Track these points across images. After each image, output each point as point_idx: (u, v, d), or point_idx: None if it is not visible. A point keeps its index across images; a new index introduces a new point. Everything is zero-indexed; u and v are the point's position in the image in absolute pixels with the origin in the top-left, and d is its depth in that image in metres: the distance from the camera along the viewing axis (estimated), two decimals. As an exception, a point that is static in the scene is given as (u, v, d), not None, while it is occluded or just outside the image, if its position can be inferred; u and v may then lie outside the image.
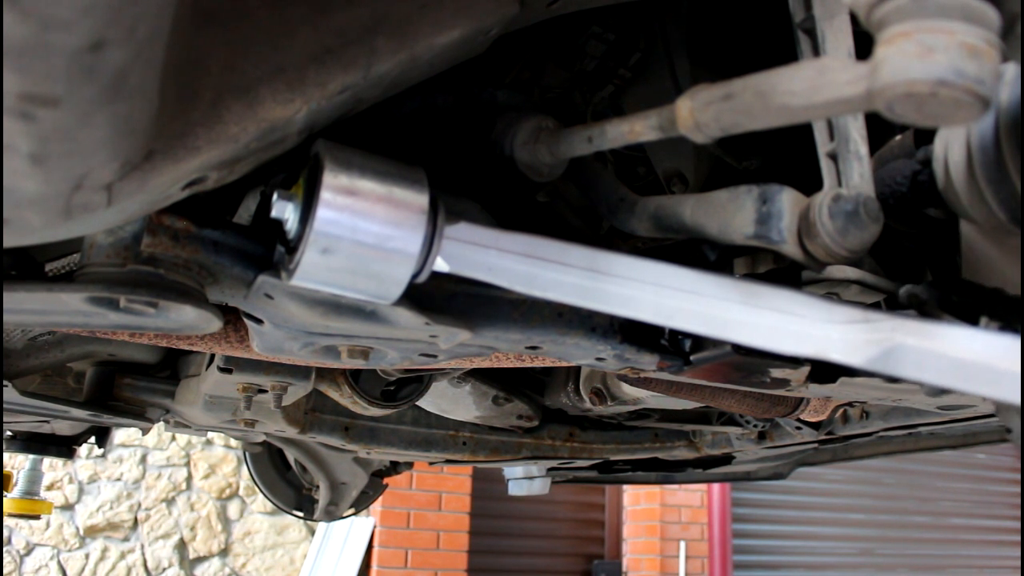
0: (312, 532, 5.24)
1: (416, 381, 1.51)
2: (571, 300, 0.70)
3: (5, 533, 4.49)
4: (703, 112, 0.56)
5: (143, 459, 4.94)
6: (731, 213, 0.74)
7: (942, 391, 0.75)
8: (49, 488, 4.60)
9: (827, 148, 0.71)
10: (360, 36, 0.63)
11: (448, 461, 1.94)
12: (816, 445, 2.04)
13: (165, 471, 4.98)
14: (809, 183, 0.74)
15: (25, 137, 0.44)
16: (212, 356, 1.30)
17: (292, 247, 0.69)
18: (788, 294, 0.67)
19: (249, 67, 0.58)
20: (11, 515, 2.64)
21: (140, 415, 1.54)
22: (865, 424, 1.65)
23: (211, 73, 0.56)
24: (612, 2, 0.80)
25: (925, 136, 0.78)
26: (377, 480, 2.47)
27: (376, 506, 5.07)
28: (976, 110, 0.44)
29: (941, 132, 0.73)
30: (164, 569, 4.83)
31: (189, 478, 5.03)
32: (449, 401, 1.74)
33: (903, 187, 0.79)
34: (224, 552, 5.01)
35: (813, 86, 0.50)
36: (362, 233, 0.65)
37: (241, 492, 5.12)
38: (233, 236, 0.77)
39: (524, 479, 2.46)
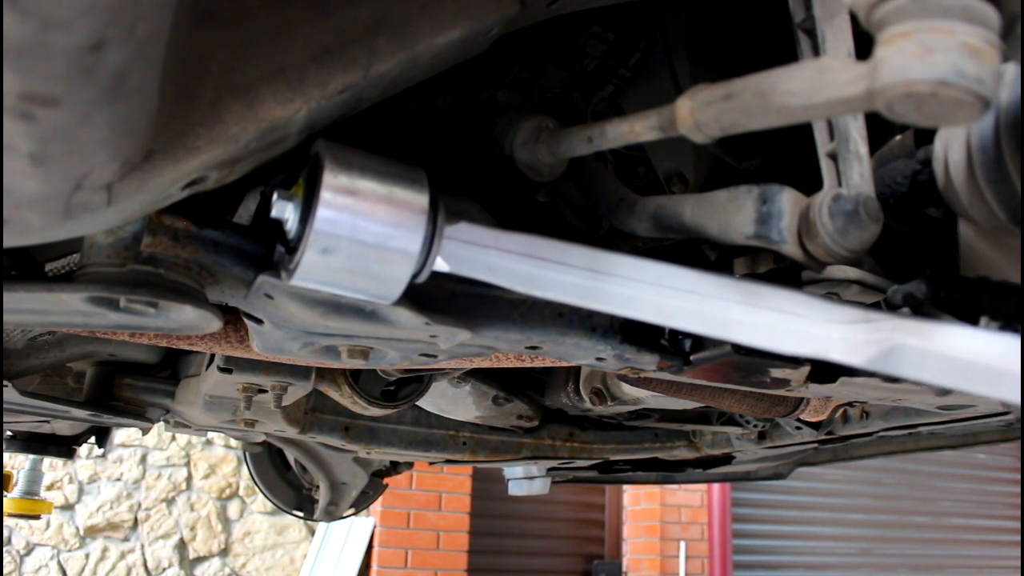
0: (312, 532, 5.24)
1: (416, 381, 1.51)
2: (571, 300, 0.70)
3: (5, 533, 4.49)
4: (703, 112, 0.56)
5: (143, 459, 4.94)
6: (731, 213, 0.74)
7: (947, 391, 0.75)
8: (49, 488, 4.60)
9: (827, 148, 0.71)
10: (360, 36, 0.63)
11: (448, 461, 1.94)
12: (816, 445, 2.04)
13: (165, 471, 4.98)
14: (809, 183, 0.74)
15: (25, 137, 0.44)
16: (212, 356, 1.30)
17: (292, 247, 0.69)
18: (788, 294, 0.67)
19: (249, 67, 0.58)
20: (11, 515, 2.64)
21: (140, 415, 1.54)
22: (865, 424, 1.65)
23: (211, 73, 0.56)
24: (612, 2, 0.80)
25: (925, 136, 0.78)
26: (377, 480, 2.47)
27: (376, 506, 5.07)
28: (976, 110, 0.44)
29: (941, 132, 0.73)
30: (164, 569, 4.83)
31: (189, 478, 5.03)
32: (449, 401, 1.74)
33: (903, 187, 0.79)
34: (224, 552, 5.01)
35: (813, 86, 0.50)
36: (362, 233, 0.65)
37: (241, 492, 5.12)
38: (233, 236, 0.77)
39: (524, 479, 2.46)
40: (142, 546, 4.82)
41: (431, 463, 2.07)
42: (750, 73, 0.54)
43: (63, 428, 1.91)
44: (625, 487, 6.11)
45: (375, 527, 5.13)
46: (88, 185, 0.50)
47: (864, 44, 0.53)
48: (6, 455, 3.33)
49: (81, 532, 4.70)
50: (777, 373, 1.00)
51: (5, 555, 4.46)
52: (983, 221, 0.70)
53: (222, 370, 1.26)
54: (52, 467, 4.58)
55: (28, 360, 1.36)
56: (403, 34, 0.65)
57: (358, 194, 0.65)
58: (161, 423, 1.67)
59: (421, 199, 0.67)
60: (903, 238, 0.86)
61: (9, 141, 0.44)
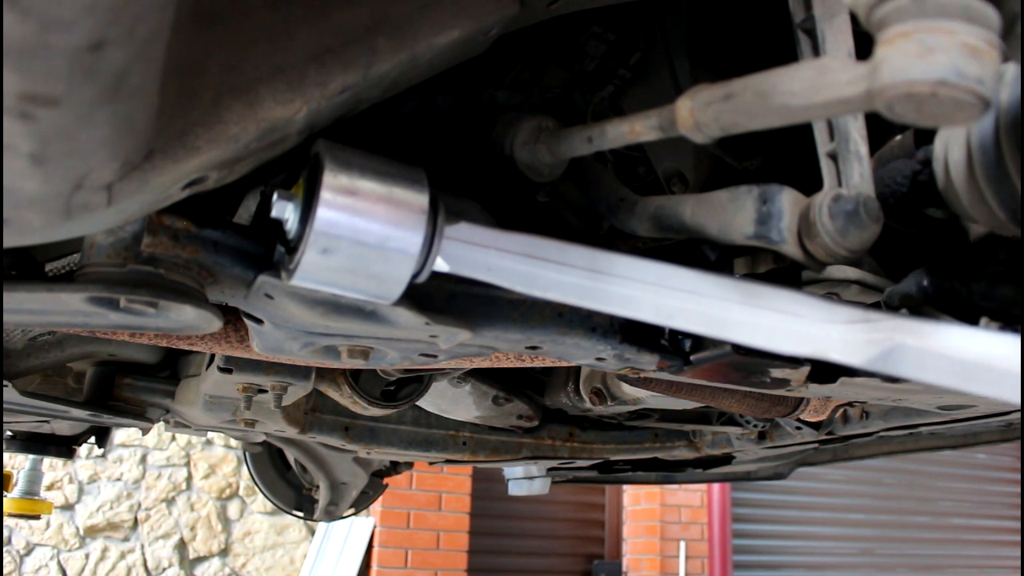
0: (312, 532, 5.24)
1: (416, 381, 1.51)
2: (571, 300, 0.70)
3: (5, 533, 4.49)
4: (703, 112, 0.56)
5: (143, 459, 4.94)
6: (731, 213, 0.74)
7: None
8: (49, 488, 4.60)
9: (827, 148, 0.71)
10: (360, 36, 0.63)
11: (448, 461, 1.94)
12: (816, 445, 2.04)
13: (165, 471, 4.98)
14: (809, 183, 0.74)
15: (25, 137, 0.44)
16: (212, 356, 1.30)
17: (292, 247, 0.69)
18: (788, 294, 0.67)
19: (249, 67, 0.58)
20: (11, 515, 2.64)
21: (140, 415, 1.54)
22: (865, 424, 1.65)
23: (211, 73, 0.56)
24: (612, 2, 0.80)
25: (925, 136, 0.78)
26: (377, 480, 2.47)
27: (376, 506, 5.07)
28: (976, 110, 0.44)
29: (941, 132, 0.73)
30: (164, 569, 4.83)
31: (189, 478, 5.03)
32: (449, 401, 1.74)
33: (903, 187, 0.79)
34: (224, 552, 5.01)
35: (813, 86, 0.50)
36: (362, 233, 0.65)
37: (241, 492, 5.12)
38: (233, 236, 0.77)
39: (524, 479, 2.46)
40: (142, 546, 4.82)
41: (431, 463, 2.07)
42: (750, 73, 0.54)
43: (63, 428, 1.91)
44: (625, 487, 6.11)
45: (375, 527, 5.13)
46: (88, 185, 0.50)
47: (864, 44, 0.53)
48: (6, 455, 3.33)
49: (81, 532, 4.70)
50: (777, 373, 1.00)
51: (5, 555, 4.46)
52: (983, 221, 0.70)
53: (222, 370, 1.26)
54: (52, 467, 4.58)
55: (28, 360, 1.36)
56: (403, 34, 0.65)
57: (358, 194, 0.65)
58: (161, 423, 1.68)
59: (421, 199, 0.67)
60: (903, 238, 0.86)
61: (9, 141, 0.44)
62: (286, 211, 0.68)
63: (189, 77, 0.55)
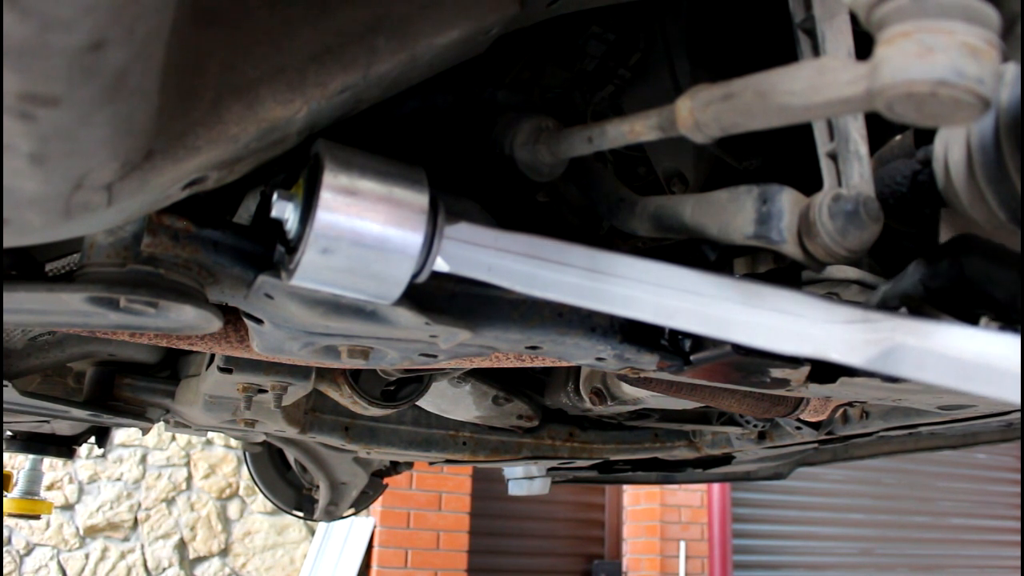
0: (312, 532, 5.24)
1: (416, 381, 1.51)
2: (571, 300, 0.70)
3: (5, 533, 4.49)
4: (703, 112, 0.56)
5: (143, 459, 4.94)
6: (731, 213, 0.74)
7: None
8: (49, 488, 4.60)
9: (827, 148, 0.71)
10: (360, 36, 0.63)
11: (448, 461, 1.94)
12: (816, 445, 2.04)
13: (165, 471, 4.98)
14: (809, 183, 0.74)
15: (25, 137, 0.44)
16: (212, 356, 1.30)
17: (292, 247, 0.69)
18: (788, 294, 0.67)
19: (249, 67, 0.58)
20: (11, 515, 2.64)
21: (140, 415, 1.54)
22: (865, 424, 1.65)
23: (211, 73, 0.56)
24: (612, 2, 0.80)
25: (925, 136, 0.78)
26: (377, 480, 2.47)
27: (376, 506, 5.07)
28: (976, 110, 0.44)
29: (941, 132, 0.73)
30: (164, 569, 4.83)
31: (189, 478, 5.03)
32: (449, 401, 1.74)
33: (903, 187, 0.79)
34: (224, 552, 5.01)
35: (813, 86, 0.50)
36: (362, 233, 0.65)
37: (241, 492, 5.12)
38: (233, 236, 0.77)
39: (524, 479, 2.46)
40: (142, 546, 4.82)
41: (431, 463, 2.07)
42: (750, 73, 0.54)
43: (63, 428, 1.91)
44: (625, 487, 6.11)
45: (375, 527, 5.13)
46: (88, 185, 0.50)
47: (864, 44, 0.53)
48: (6, 455, 3.33)
49: (81, 532, 4.69)
50: (777, 373, 1.00)
51: (5, 555, 4.46)
52: (983, 221, 0.70)
53: (222, 370, 1.26)
54: (52, 467, 4.58)
55: (28, 360, 1.36)
56: (403, 34, 0.65)
57: (358, 194, 0.65)
58: (161, 423, 1.67)
59: (421, 199, 0.67)
60: (903, 238, 0.86)
61: (9, 141, 0.44)
62: (286, 211, 0.68)
63: (189, 77, 0.55)
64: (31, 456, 2.54)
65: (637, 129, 0.65)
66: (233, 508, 5.10)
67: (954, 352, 0.59)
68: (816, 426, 1.64)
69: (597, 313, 0.92)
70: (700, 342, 0.97)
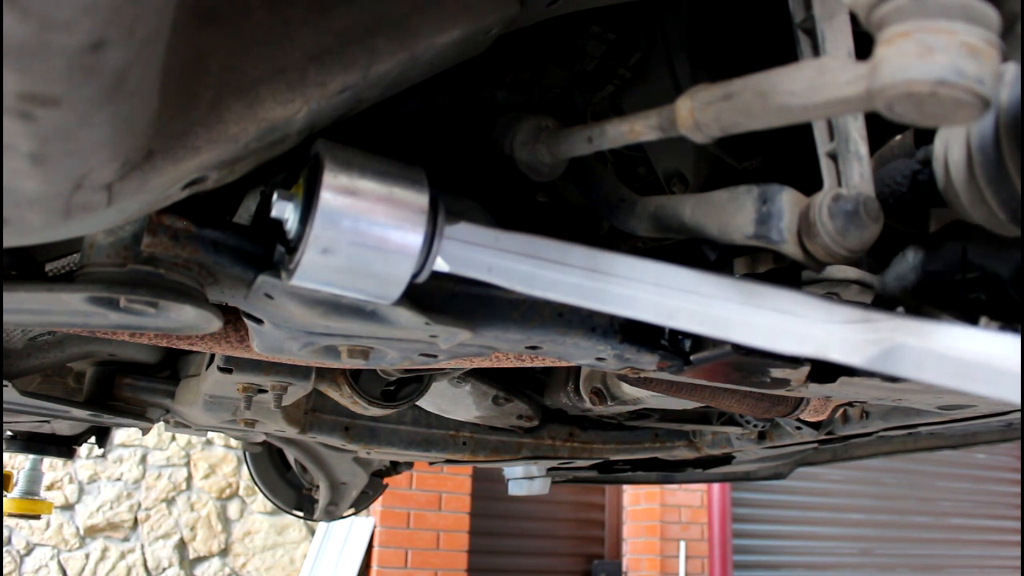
0: (312, 532, 5.24)
1: (416, 381, 1.51)
2: (571, 300, 0.70)
3: (5, 533, 4.49)
4: (703, 112, 0.56)
5: (143, 459, 4.94)
6: (731, 213, 0.74)
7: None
8: (49, 488, 4.60)
9: (827, 148, 0.71)
10: (360, 36, 0.63)
11: (448, 461, 1.94)
12: (816, 445, 2.04)
13: (165, 471, 4.98)
14: (809, 183, 0.74)
15: (25, 137, 0.44)
16: (212, 356, 1.30)
17: (292, 247, 0.69)
18: (788, 294, 0.67)
19: (249, 67, 0.58)
20: (11, 515, 2.64)
21: (140, 415, 1.54)
22: (865, 424, 1.65)
23: (211, 73, 0.56)
24: (612, 2, 0.80)
25: (925, 136, 0.78)
26: (377, 480, 2.47)
27: (376, 506, 5.07)
28: (976, 110, 0.44)
29: (941, 132, 0.73)
30: (164, 569, 4.83)
31: (189, 478, 5.03)
32: (449, 401, 1.74)
33: (903, 187, 0.79)
34: (224, 552, 5.01)
35: (813, 86, 0.50)
36: (362, 233, 0.65)
37: (241, 492, 5.12)
38: (233, 236, 0.77)
39: (524, 479, 2.46)
40: (142, 546, 4.82)
41: (431, 463, 2.07)
42: (750, 73, 0.54)
43: (63, 428, 1.91)
44: (625, 487, 6.11)
45: (375, 527, 5.13)
46: (88, 185, 0.50)
47: (864, 44, 0.53)
48: (6, 455, 3.33)
49: (81, 532, 4.69)
50: (777, 373, 1.00)
51: (5, 555, 4.46)
52: (983, 221, 0.70)
53: (222, 370, 1.26)
54: (52, 467, 4.58)
55: (28, 360, 1.36)
56: (403, 34, 0.65)
57: (358, 194, 0.65)
58: (161, 423, 1.67)
59: (421, 199, 0.67)
60: (903, 238, 0.86)
61: (9, 141, 0.44)
62: (286, 211, 0.68)
63: (189, 77, 0.55)
64: (31, 456, 2.54)
65: (637, 129, 0.65)
66: (233, 508, 5.10)
67: (954, 352, 0.59)
68: (816, 426, 1.64)
69: (597, 313, 0.92)
70: (700, 342, 0.97)
